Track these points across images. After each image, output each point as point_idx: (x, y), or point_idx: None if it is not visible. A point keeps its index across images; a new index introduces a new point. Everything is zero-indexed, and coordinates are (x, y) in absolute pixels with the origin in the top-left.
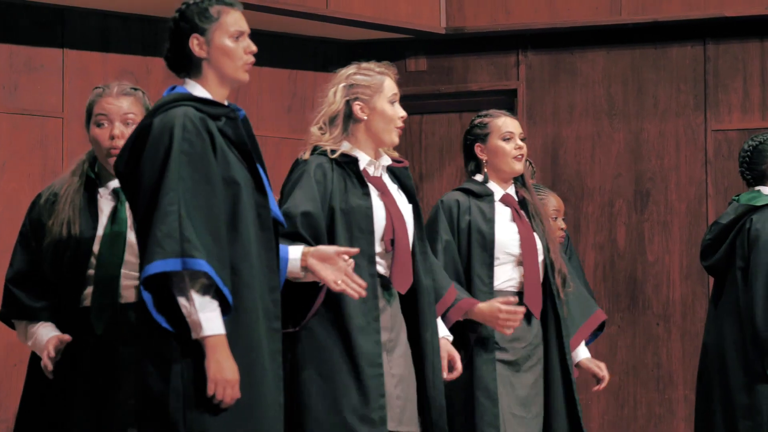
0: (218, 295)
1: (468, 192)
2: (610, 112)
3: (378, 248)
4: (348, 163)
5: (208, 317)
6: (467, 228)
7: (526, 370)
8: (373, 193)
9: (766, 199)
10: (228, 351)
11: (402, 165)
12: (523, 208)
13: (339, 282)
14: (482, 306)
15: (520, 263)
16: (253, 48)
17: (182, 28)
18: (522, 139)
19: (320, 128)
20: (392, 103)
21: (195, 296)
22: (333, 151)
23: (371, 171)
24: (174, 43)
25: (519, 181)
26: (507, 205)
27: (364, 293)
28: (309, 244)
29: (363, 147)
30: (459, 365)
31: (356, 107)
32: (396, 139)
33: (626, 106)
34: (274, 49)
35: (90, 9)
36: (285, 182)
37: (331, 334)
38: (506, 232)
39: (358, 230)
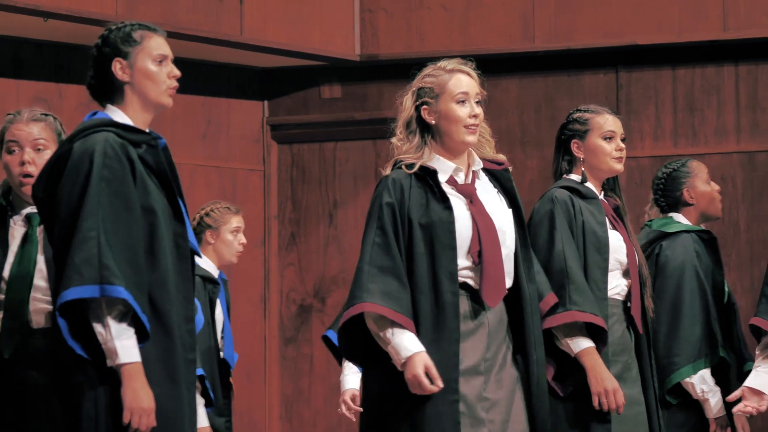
0: (135, 323)
1: (573, 191)
2: (523, 139)
3: (465, 262)
4: (426, 175)
5: (124, 345)
6: (582, 228)
7: (631, 382)
8: (460, 202)
9: (677, 226)
10: (144, 379)
11: (501, 167)
12: (617, 214)
13: None
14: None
15: (625, 272)
16: (177, 73)
17: (105, 53)
18: (622, 140)
19: (400, 139)
20: (460, 102)
21: (111, 323)
22: (410, 166)
23: (460, 178)
24: (97, 69)
25: (609, 186)
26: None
27: None
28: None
29: (445, 153)
30: None
31: (424, 112)
32: (468, 139)
33: (539, 134)
34: (188, 76)
35: (2, 36)
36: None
37: None
38: (615, 238)
39: (440, 246)
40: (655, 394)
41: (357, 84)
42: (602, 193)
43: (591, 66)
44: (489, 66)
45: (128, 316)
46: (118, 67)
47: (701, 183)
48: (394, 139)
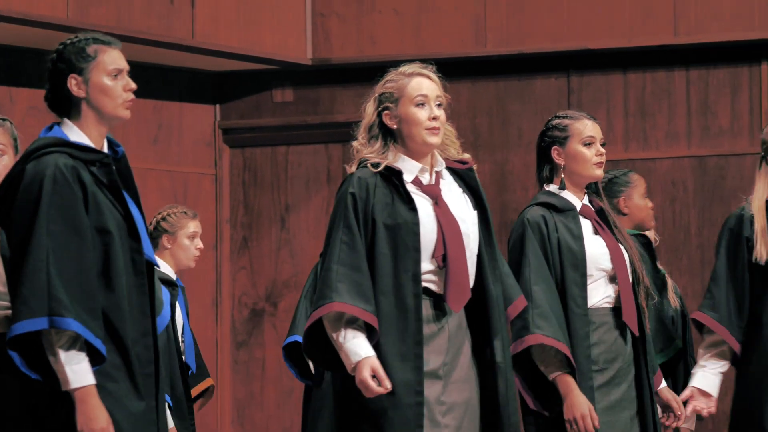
0: (88, 346)
1: (549, 206)
2: (475, 143)
3: (429, 266)
4: (392, 176)
5: (74, 369)
6: (557, 246)
7: (623, 387)
8: (425, 203)
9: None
10: (98, 400)
11: (466, 167)
12: (602, 218)
13: None
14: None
15: (612, 279)
16: (133, 85)
17: (60, 68)
18: (602, 145)
19: (361, 144)
20: (418, 105)
21: (60, 351)
22: (376, 165)
23: (425, 179)
24: (53, 84)
25: (591, 189)
26: (586, 218)
27: None
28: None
29: (410, 155)
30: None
31: (386, 118)
32: (430, 140)
33: (491, 138)
34: (140, 80)
35: None
36: (337, 193)
37: None
38: (595, 247)
39: (404, 248)
40: (651, 396)
41: (309, 88)
42: (585, 196)
43: (543, 70)
44: (441, 70)
45: (79, 341)
46: (73, 83)
47: (638, 196)
48: (355, 143)
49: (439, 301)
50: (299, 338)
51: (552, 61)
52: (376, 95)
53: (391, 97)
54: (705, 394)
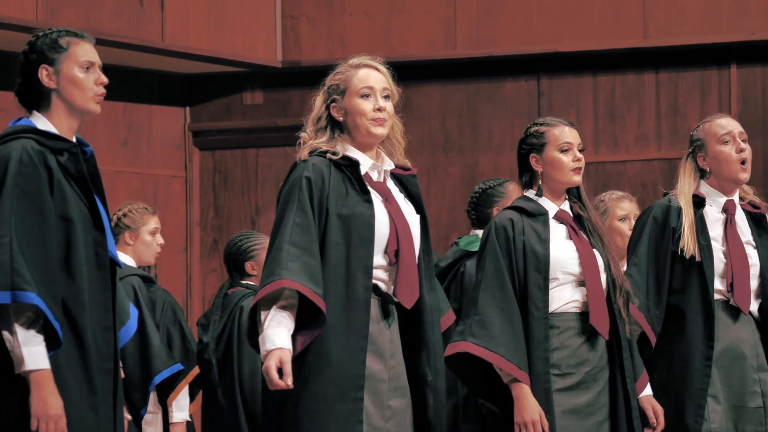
0: (45, 330)
1: (520, 210)
2: (445, 145)
3: (381, 261)
4: (348, 166)
5: (30, 351)
6: (522, 249)
7: (589, 392)
8: (377, 200)
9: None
10: (53, 386)
11: (409, 173)
12: (579, 224)
13: None
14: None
15: (581, 283)
16: (104, 80)
17: (32, 60)
18: (580, 150)
19: (309, 137)
20: (363, 96)
21: (18, 330)
22: (334, 153)
23: (374, 176)
24: (24, 76)
25: (573, 194)
26: (562, 222)
27: None
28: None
29: (357, 146)
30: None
31: (333, 110)
32: (375, 131)
33: (461, 140)
34: (109, 82)
35: None
36: (282, 185)
37: (315, 357)
38: (563, 251)
39: (357, 239)
40: (627, 402)
41: (279, 90)
42: (566, 202)
43: (513, 73)
44: (411, 72)
45: (37, 324)
46: (44, 74)
47: None
48: (303, 134)
49: (385, 302)
50: None
51: (522, 63)
52: (325, 88)
53: (338, 89)
54: None
